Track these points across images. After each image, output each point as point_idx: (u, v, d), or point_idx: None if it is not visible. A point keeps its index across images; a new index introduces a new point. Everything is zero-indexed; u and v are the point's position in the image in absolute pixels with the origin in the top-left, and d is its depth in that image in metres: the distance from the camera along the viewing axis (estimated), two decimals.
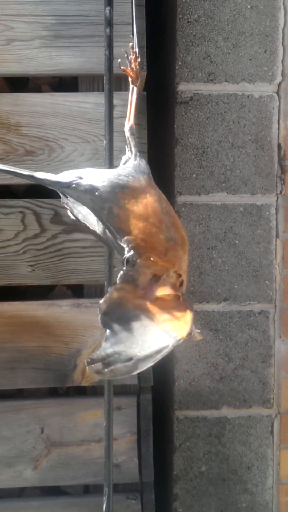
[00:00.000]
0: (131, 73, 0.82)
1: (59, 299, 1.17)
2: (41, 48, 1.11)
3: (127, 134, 0.80)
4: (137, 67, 0.83)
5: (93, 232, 0.84)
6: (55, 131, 1.12)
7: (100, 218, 0.76)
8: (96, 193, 0.74)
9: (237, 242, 1.25)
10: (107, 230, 0.76)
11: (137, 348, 0.65)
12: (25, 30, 1.10)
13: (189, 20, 1.21)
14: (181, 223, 0.78)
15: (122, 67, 0.83)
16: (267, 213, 1.25)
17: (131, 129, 0.80)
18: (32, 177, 0.79)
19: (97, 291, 1.18)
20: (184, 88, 1.22)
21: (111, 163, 0.96)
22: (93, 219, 0.83)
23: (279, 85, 1.23)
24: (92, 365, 0.64)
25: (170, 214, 0.76)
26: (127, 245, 0.72)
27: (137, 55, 0.83)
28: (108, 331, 0.66)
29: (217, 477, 1.30)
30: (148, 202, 0.75)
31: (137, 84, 0.81)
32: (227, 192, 1.24)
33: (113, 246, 0.80)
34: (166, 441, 1.35)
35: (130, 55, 0.83)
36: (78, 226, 0.87)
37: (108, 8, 0.87)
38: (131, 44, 0.84)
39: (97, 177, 0.76)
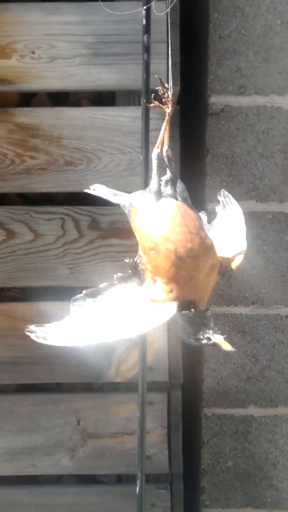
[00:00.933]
0: (163, 106, 0.90)
1: None
2: (81, 65, 1.21)
3: (169, 154, 0.87)
4: (170, 99, 0.90)
5: None
6: (93, 143, 1.23)
7: None
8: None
9: (265, 248, 1.33)
10: None
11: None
12: (66, 48, 1.21)
13: (221, 35, 1.30)
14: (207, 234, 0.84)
15: (152, 104, 0.91)
16: None
17: (167, 151, 0.87)
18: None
19: None
20: (215, 100, 1.31)
21: (147, 172, 1.06)
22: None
23: None
24: None
25: (203, 230, 0.82)
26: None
27: (170, 89, 0.90)
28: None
29: (243, 473, 1.39)
30: (190, 221, 0.81)
31: (170, 112, 0.89)
32: (256, 200, 1.33)
33: None
34: (194, 436, 1.45)
35: (163, 89, 0.90)
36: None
37: (146, 35, 0.96)
38: (166, 81, 0.93)
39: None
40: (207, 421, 1.37)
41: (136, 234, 0.84)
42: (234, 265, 0.90)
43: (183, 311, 0.78)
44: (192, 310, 0.78)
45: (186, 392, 1.36)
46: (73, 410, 1.29)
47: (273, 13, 1.29)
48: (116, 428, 1.30)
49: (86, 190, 0.96)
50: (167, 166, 0.86)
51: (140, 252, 0.82)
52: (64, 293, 1.33)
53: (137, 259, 0.83)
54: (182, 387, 1.33)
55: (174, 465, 1.31)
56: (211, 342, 0.77)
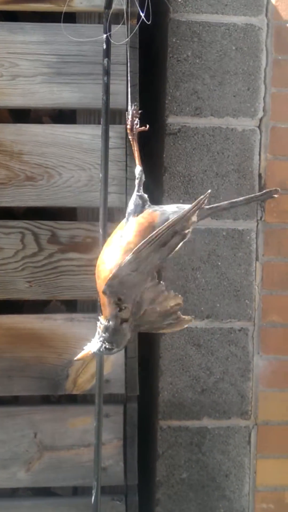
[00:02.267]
0: (131, 132, 1.01)
1: (54, 313, 1.34)
2: (43, 84, 1.28)
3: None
4: (136, 125, 1.01)
5: None
6: (54, 159, 1.30)
7: None
8: None
9: (219, 263, 1.42)
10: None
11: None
12: (29, 67, 1.28)
13: (179, 59, 1.40)
14: None
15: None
16: (248, 237, 1.43)
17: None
18: None
19: (89, 307, 1.35)
20: (173, 120, 1.40)
21: (106, 189, 1.14)
22: None
23: (260, 120, 1.42)
24: None
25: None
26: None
27: (134, 115, 1.01)
28: None
29: (197, 484, 1.46)
30: None
31: (136, 137, 1.00)
32: (211, 217, 1.41)
33: None
34: (150, 448, 1.52)
35: (129, 116, 1.01)
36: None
37: (106, 59, 1.04)
38: (132, 108, 1.03)
39: None
40: (163, 433, 1.44)
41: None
42: None
43: None
44: None
45: (142, 405, 1.43)
46: (31, 422, 1.34)
47: (228, 39, 1.40)
48: (72, 440, 1.35)
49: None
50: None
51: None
52: (23, 306, 1.39)
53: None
54: (138, 399, 1.39)
55: (129, 476, 1.37)
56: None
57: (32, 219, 1.32)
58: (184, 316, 1.01)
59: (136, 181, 0.99)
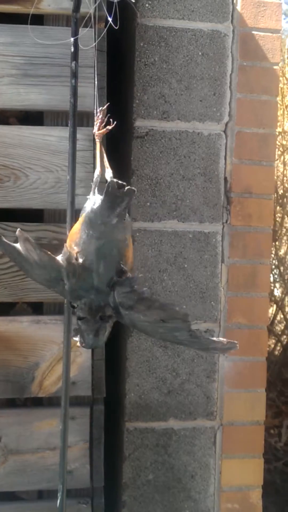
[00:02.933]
0: (97, 133, 1.03)
1: (20, 315, 1.35)
2: (10, 85, 1.30)
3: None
4: (102, 127, 1.04)
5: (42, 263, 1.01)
6: (21, 160, 1.31)
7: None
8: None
9: (186, 266, 1.46)
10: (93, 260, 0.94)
11: None
12: None
13: (146, 63, 1.43)
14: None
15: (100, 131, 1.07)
16: (214, 240, 1.46)
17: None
18: None
19: (56, 309, 1.36)
20: (141, 124, 1.43)
21: (73, 191, 1.15)
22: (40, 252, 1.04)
23: (226, 124, 1.46)
24: None
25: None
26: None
27: (101, 117, 1.04)
28: None
29: (163, 485, 1.48)
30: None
31: (101, 139, 1.02)
32: (177, 220, 1.45)
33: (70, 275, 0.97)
34: (116, 450, 1.53)
35: (96, 117, 1.03)
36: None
37: (74, 62, 1.07)
38: (99, 109, 1.05)
39: None
40: (129, 435, 1.46)
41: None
42: None
43: None
44: None
45: (108, 407, 1.45)
46: None
47: (195, 45, 1.44)
48: (38, 443, 1.36)
49: None
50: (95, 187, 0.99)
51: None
52: None
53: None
54: (105, 401, 1.41)
55: (95, 479, 1.39)
56: None
57: None
58: None
59: (93, 184, 1.02)
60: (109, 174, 1.03)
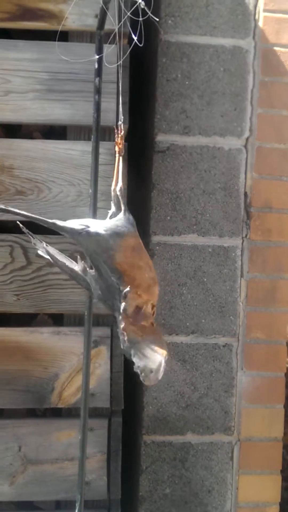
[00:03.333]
0: (119, 146, 1.06)
1: (41, 326, 1.38)
2: (35, 100, 1.33)
3: (117, 193, 1.03)
4: (123, 141, 1.06)
5: (69, 270, 1.06)
6: (44, 174, 1.34)
7: (96, 259, 0.98)
8: (101, 239, 0.96)
9: (205, 280, 1.47)
10: (96, 270, 0.98)
11: (151, 363, 0.96)
12: (21, 83, 1.33)
13: (168, 78, 1.46)
14: (152, 264, 1.01)
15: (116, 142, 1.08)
16: (233, 254, 1.48)
17: (120, 190, 1.03)
18: (54, 224, 1.02)
19: (76, 320, 1.39)
20: (162, 139, 1.46)
21: (95, 204, 1.18)
22: (63, 259, 1.07)
23: (247, 139, 1.48)
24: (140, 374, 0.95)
25: (148, 257, 1.00)
26: (121, 282, 0.95)
27: (123, 132, 1.07)
28: (132, 350, 0.96)
29: (180, 500, 1.49)
30: (137, 248, 0.98)
31: (122, 154, 1.05)
32: (197, 234, 1.47)
33: (91, 282, 1.02)
34: (133, 463, 1.55)
35: (118, 131, 1.06)
36: (55, 263, 1.09)
37: (97, 78, 1.10)
38: (119, 123, 1.07)
39: (100, 226, 0.99)
40: (146, 448, 1.47)
41: (123, 257, 0.99)
42: None
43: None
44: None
45: (126, 419, 1.47)
46: (15, 436, 1.36)
47: (217, 60, 1.46)
48: (56, 454, 1.38)
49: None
50: (113, 201, 1.01)
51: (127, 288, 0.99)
52: (11, 319, 1.42)
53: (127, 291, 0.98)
54: (123, 413, 1.43)
55: (112, 491, 1.40)
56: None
57: (22, 232, 1.35)
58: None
59: (121, 199, 1.05)
60: (117, 187, 1.05)
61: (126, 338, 0.96)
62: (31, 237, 1.07)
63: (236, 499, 1.51)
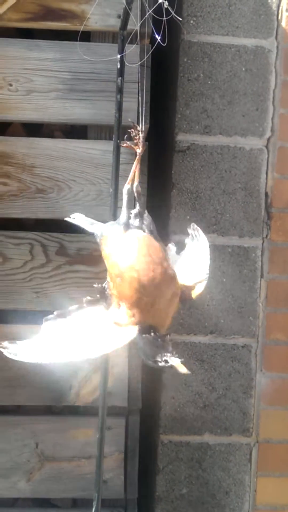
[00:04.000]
0: (135, 147, 1.04)
1: None
2: (56, 100, 1.35)
3: (139, 189, 1.01)
4: (141, 140, 1.05)
5: None
6: (65, 172, 1.36)
7: None
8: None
9: (224, 280, 1.48)
10: None
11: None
12: (43, 83, 1.35)
13: (190, 78, 1.46)
14: (170, 264, 0.98)
15: (125, 145, 1.06)
16: (253, 254, 1.48)
17: (137, 187, 1.01)
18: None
19: None
20: (182, 138, 1.47)
21: (115, 203, 1.19)
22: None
23: (268, 139, 1.48)
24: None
25: (166, 260, 0.95)
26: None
27: (142, 131, 1.05)
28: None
29: (197, 500, 1.50)
30: (154, 252, 0.94)
31: (141, 152, 1.04)
32: (217, 233, 1.47)
33: None
34: (150, 463, 1.56)
35: (135, 131, 1.05)
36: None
37: (119, 78, 1.11)
38: (137, 120, 1.08)
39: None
40: (164, 448, 1.48)
41: (105, 261, 0.97)
42: (194, 294, 1.03)
43: (143, 335, 0.90)
44: (152, 334, 0.90)
45: (143, 418, 1.48)
46: (33, 432, 1.38)
47: (238, 60, 1.47)
48: (73, 451, 1.40)
49: (67, 219, 1.08)
50: (136, 200, 1.00)
51: (108, 278, 0.95)
52: (30, 316, 1.44)
53: (105, 284, 0.96)
54: (140, 413, 1.44)
55: (129, 490, 1.41)
56: (168, 364, 0.90)
57: (42, 230, 1.38)
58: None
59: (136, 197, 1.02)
60: (135, 185, 1.03)
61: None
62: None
63: (254, 502, 1.51)
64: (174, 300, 0.95)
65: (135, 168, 1.02)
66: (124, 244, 0.95)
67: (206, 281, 1.07)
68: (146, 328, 0.91)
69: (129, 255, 0.92)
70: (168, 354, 0.90)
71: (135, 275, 0.91)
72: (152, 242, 0.95)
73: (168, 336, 0.93)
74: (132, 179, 1.01)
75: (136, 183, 1.02)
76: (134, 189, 1.01)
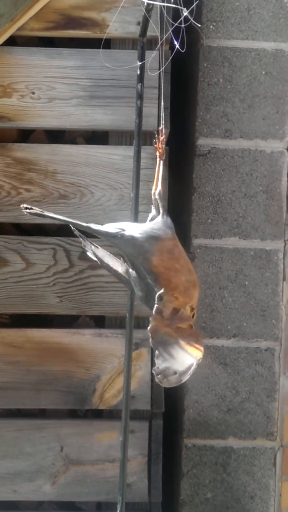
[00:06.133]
0: (159, 150, 1.08)
1: (83, 328, 1.43)
2: (78, 106, 1.39)
3: (156, 197, 1.05)
4: (164, 145, 1.09)
5: (114, 272, 1.09)
6: (87, 178, 1.40)
7: (133, 262, 1.01)
8: (136, 242, 0.99)
9: (247, 283, 1.49)
10: (135, 271, 1.01)
11: (177, 365, 0.93)
12: (64, 90, 1.39)
13: (210, 82, 1.49)
14: (193, 267, 1.02)
15: (155, 146, 1.10)
16: (275, 257, 1.49)
17: (159, 193, 1.05)
18: (89, 227, 1.05)
19: (117, 323, 1.43)
20: (203, 142, 1.49)
21: (137, 208, 1.22)
22: (111, 260, 1.10)
23: None
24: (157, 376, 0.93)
25: (187, 260, 1.02)
26: (157, 284, 0.97)
27: (164, 136, 1.09)
28: (156, 351, 0.94)
29: (222, 505, 1.51)
30: (175, 251, 1.00)
31: (163, 158, 1.08)
32: (239, 237, 1.49)
33: (134, 284, 1.05)
34: (174, 466, 1.57)
35: (158, 135, 1.09)
36: (101, 265, 1.12)
37: (139, 84, 1.14)
38: (160, 128, 1.10)
39: (136, 229, 1.01)
40: (188, 452, 1.50)
41: (158, 260, 1.01)
42: None
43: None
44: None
45: (167, 422, 1.50)
46: (57, 436, 1.41)
47: (258, 64, 1.49)
48: (97, 455, 1.42)
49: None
50: (154, 205, 1.04)
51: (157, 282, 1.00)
52: (53, 320, 1.48)
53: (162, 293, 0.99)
54: (163, 417, 1.46)
55: (153, 494, 1.43)
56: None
57: (65, 236, 1.41)
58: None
59: (160, 203, 1.06)
60: (156, 191, 1.07)
61: (151, 340, 0.96)
62: (82, 239, 1.10)
63: (279, 506, 1.51)
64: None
65: (157, 173, 1.06)
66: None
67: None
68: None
69: (177, 253, 1.00)
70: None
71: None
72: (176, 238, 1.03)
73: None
74: (157, 185, 1.05)
75: (159, 188, 1.05)
76: (156, 195, 1.05)
